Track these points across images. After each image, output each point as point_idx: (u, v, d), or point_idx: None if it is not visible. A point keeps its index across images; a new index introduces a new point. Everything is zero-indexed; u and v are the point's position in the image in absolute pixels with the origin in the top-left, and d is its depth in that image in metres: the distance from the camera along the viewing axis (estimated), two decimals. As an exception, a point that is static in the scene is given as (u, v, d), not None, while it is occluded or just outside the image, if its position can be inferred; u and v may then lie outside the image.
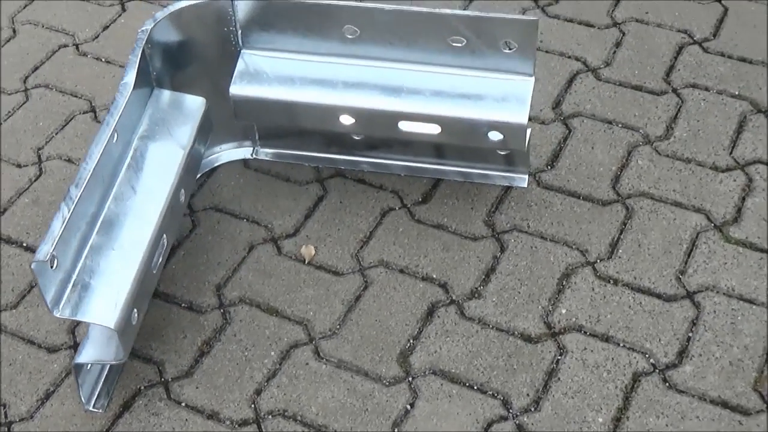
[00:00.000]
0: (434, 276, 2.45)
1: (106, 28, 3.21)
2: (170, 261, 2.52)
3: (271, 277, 2.47)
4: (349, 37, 2.45)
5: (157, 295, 2.44)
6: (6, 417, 2.25)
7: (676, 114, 2.78)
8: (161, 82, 2.47)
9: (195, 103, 2.45)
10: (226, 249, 2.54)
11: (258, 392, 2.26)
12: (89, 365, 2.20)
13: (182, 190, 2.34)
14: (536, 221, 2.55)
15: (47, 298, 2.01)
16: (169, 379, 2.30)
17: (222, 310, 2.42)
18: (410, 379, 2.26)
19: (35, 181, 2.74)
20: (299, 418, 2.21)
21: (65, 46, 3.15)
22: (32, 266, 1.93)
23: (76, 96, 2.98)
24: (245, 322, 2.39)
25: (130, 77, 2.25)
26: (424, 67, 2.47)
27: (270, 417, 2.22)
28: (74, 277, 2.09)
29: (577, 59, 2.96)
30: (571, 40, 3.02)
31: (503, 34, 2.36)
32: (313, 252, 2.51)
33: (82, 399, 2.21)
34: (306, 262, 2.50)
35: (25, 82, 3.04)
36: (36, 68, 3.09)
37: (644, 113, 2.79)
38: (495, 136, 2.43)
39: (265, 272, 2.48)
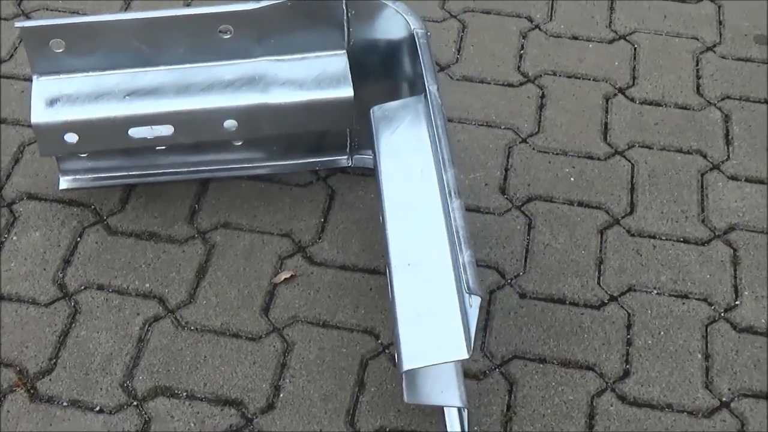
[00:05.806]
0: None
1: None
2: (245, 180, 2.58)
3: (246, 259, 2.43)
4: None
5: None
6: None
7: None
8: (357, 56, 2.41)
9: (340, 90, 2.36)
10: (270, 211, 2.52)
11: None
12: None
13: (233, 121, 2.34)
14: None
15: (35, 65, 2.30)
16: (107, 220, 2.49)
17: (202, 237, 2.47)
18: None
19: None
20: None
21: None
22: (17, 25, 2.20)
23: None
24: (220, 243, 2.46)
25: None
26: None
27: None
28: (79, 77, 2.32)
29: None
30: None
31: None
32: (282, 279, 2.36)
33: (60, 168, 2.47)
34: (271, 281, 2.36)
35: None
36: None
37: None
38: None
39: (244, 255, 2.44)
